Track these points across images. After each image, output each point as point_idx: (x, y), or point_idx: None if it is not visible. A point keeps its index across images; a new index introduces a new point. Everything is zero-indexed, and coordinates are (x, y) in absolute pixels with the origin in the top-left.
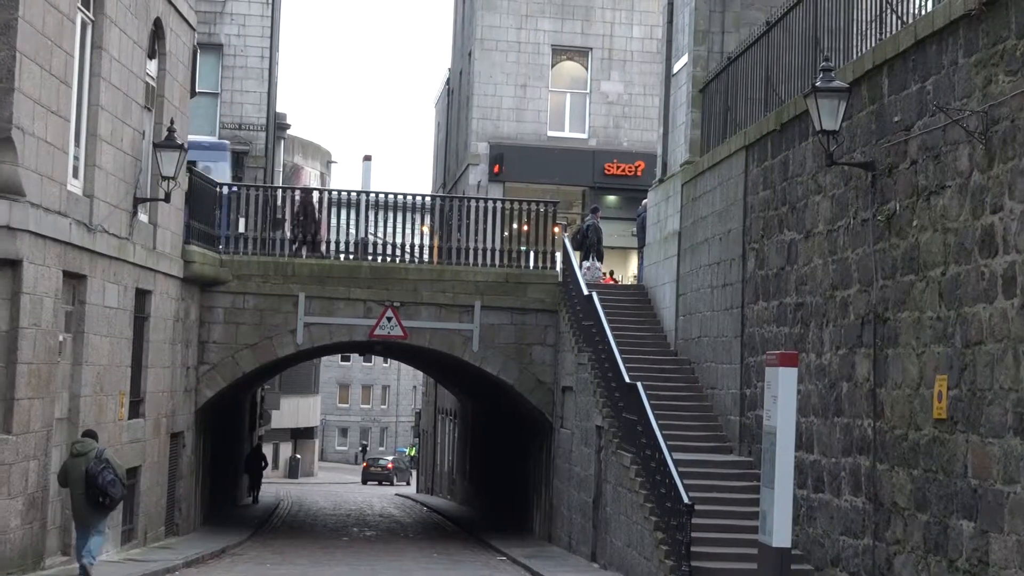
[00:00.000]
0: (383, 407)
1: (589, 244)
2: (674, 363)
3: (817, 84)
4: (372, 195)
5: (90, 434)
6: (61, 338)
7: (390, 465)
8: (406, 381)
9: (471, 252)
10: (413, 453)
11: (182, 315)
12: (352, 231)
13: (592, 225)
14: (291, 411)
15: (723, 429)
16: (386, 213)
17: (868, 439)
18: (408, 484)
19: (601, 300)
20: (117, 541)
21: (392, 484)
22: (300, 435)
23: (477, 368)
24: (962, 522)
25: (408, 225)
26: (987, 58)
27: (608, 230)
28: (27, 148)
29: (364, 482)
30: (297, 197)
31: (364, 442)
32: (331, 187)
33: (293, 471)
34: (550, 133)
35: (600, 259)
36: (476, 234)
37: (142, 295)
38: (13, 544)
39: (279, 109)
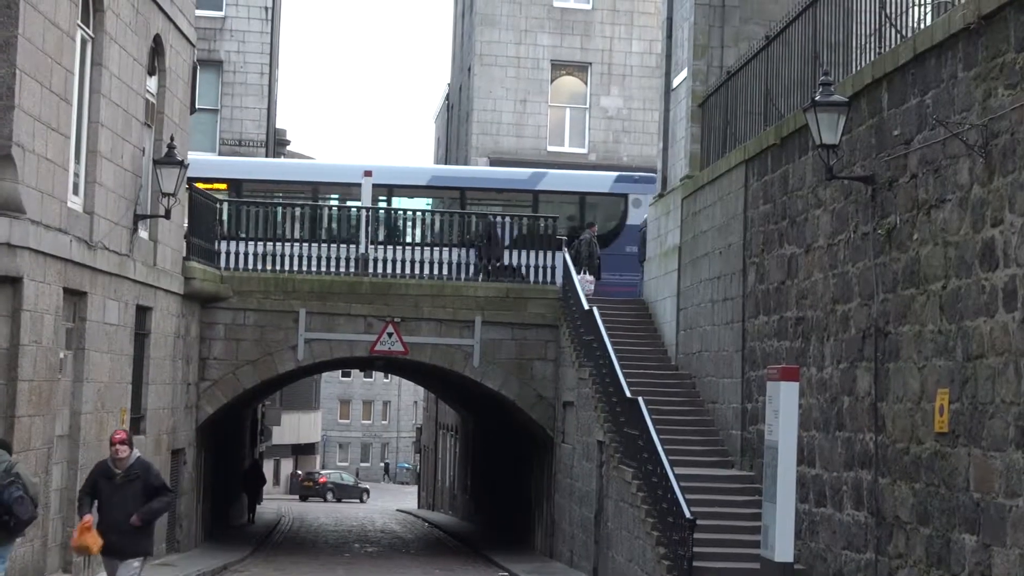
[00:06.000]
0: (384, 423)
1: (582, 258)
2: (675, 377)
3: (817, 98)
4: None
5: (2, 444)
6: (62, 355)
7: (322, 480)
8: (407, 396)
9: (471, 266)
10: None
11: (183, 331)
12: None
13: (586, 239)
14: (292, 427)
15: (724, 443)
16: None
17: (870, 453)
18: (363, 501)
19: (602, 315)
20: None
21: (326, 500)
22: (301, 451)
23: (478, 383)
24: (964, 536)
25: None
26: (986, 72)
27: None
28: (27, 165)
29: (303, 499)
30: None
31: (386, 460)
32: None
33: (294, 487)
34: (550, 148)
35: (595, 273)
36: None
37: (143, 312)
38: (14, 562)
39: (278, 125)
